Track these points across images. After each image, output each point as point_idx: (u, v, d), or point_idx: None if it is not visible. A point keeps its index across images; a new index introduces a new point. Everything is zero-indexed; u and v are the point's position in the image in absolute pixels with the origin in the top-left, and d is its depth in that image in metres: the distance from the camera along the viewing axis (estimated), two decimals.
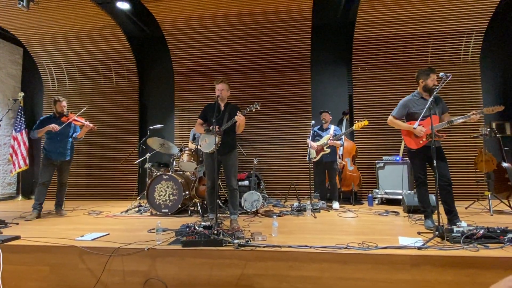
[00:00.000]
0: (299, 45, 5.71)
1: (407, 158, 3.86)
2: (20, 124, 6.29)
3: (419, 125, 3.00)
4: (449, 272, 2.13)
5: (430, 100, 2.87)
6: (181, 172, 4.57)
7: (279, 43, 5.73)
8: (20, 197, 6.43)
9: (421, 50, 5.42)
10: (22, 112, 6.34)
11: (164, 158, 5.86)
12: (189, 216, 4.04)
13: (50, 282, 2.51)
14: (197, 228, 2.56)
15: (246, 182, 4.82)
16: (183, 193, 4.05)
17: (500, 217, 3.68)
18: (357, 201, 5.10)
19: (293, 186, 5.49)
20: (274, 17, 5.41)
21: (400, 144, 4.98)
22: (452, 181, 3.02)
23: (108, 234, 2.98)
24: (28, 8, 4.69)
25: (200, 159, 4.35)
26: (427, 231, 2.92)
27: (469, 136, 5.08)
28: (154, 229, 2.83)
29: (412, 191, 4.49)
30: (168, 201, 4.11)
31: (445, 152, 3.12)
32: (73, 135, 4.38)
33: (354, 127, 4.41)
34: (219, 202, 4.33)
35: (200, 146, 3.59)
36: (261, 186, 5.15)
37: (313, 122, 4.78)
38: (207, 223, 2.72)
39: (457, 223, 2.79)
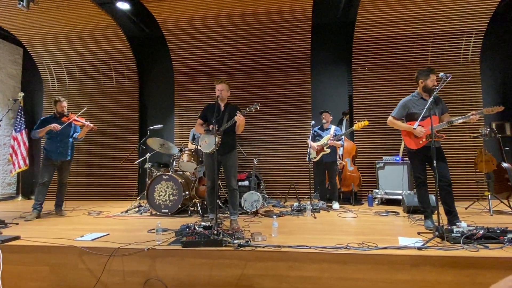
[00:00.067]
0: (299, 45, 5.71)
1: (407, 159, 3.86)
2: (20, 124, 6.29)
3: (419, 125, 3.00)
4: (449, 272, 2.13)
5: (430, 100, 2.88)
6: (181, 172, 4.57)
7: (279, 43, 5.73)
8: (20, 197, 6.42)
9: (421, 50, 5.42)
10: (22, 112, 6.34)
11: (164, 158, 5.86)
12: (189, 216, 4.04)
13: (50, 282, 2.50)
14: (197, 228, 2.56)
15: (246, 182, 4.82)
16: (183, 193, 4.05)
17: (500, 218, 3.68)
18: (357, 201, 5.10)
19: (293, 187, 5.49)
20: (274, 17, 5.41)
21: (400, 145, 4.98)
22: (452, 181, 3.01)
23: (108, 234, 2.98)
24: (28, 9, 4.70)
25: (200, 159, 4.34)
26: (427, 231, 2.92)
27: (469, 137, 5.09)
28: (154, 229, 2.83)
29: (412, 192, 4.49)
30: (168, 201, 4.11)
31: (445, 153, 3.12)
32: (74, 135, 4.38)
33: (354, 127, 4.41)
34: (219, 202, 4.33)
35: (200, 146, 3.59)
36: (261, 186, 5.16)
37: (313, 122, 4.77)
38: (207, 223, 2.72)
39: (457, 223, 2.79)
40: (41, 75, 6.52)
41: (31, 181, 6.63)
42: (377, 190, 4.98)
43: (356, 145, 5.29)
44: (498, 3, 4.92)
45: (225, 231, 2.61)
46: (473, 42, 5.27)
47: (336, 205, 4.55)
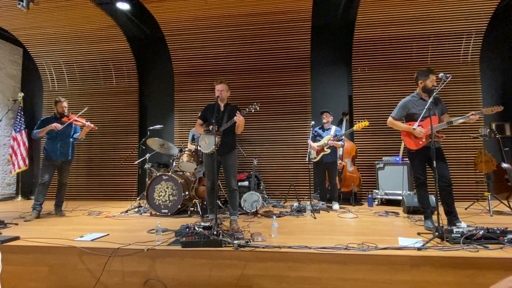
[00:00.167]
0: (299, 45, 5.71)
1: (407, 159, 3.86)
2: (19, 124, 6.29)
3: (418, 126, 3.00)
4: (449, 272, 2.13)
5: (429, 101, 2.88)
6: (180, 173, 4.56)
7: (279, 43, 5.73)
8: (20, 197, 6.42)
9: (421, 50, 5.43)
10: (22, 113, 6.34)
11: (164, 159, 5.86)
12: (189, 216, 4.03)
13: (50, 283, 2.50)
14: (197, 229, 2.56)
15: (245, 183, 4.82)
16: (182, 194, 4.05)
17: (500, 218, 3.68)
18: (357, 201, 5.10)
19: (292, 187, 5.49)
20: (274, 17, 5.41)
21: (400, 145, 4.98)
22: (452, 181, 3.02)
23: (108, 234, 2.98)
24: (28, 9, 4.71)
25: (200, 159, 4.34)
26: (426, 231, 2.92)
27: (468, 137, 5.08)
28: (153, 229, 2.83)
29: (412, 192, 4.49)
30: (167, 201, 4.10)
31: (444, 153, 3.12)
32: (74, 136, 4.39)
33: (355, 128, 4.41)
34: (219, 203, 4.33)
35: (199, 146, 3.59)
36: (261, 187, 5.15)
37: (313, 122, 4.77)
38: (207, 224, 2.72)
39: (457, 223, 2.79)
40: (41, 75, 6.51)
41: (31, 181, 6.63)
42: (377, 191, 4.97)
43: (356, 146, 5.29)
44: (498, 3, 4.92)
45: (225, 231, 2.60)
46: (473, 42, 5.27)
47: (336, 205, 4.55)
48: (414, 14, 5.14)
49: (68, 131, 4.32)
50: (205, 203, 4.15)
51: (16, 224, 3.62)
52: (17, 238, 2.80)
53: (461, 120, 3.00)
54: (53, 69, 6.42)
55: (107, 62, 6.25)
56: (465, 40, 5.28)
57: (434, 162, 2.73)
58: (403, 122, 3.26)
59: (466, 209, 4.18)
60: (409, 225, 3.35)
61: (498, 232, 2.42)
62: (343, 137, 4.55)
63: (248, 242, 2.49)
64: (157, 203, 4.13)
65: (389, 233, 2.97)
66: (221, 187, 4.79)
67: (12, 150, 6.25)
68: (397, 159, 4.92)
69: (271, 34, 5.65)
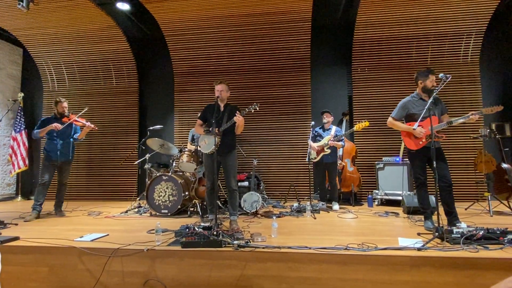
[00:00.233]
0: (299, 46, 5.71)
1: (407, 159, 3.86)
2: (19, 124, 6.29)
3: (418, 126, 3.00)
4: (449, 273, 2.12)
5: (429, 101, 2.88)
6: (180, 173, 4.56)
7: (279, 44, 5.73)
8: (20, 197, 6.42)
9: (421, 51, 5.43)
10: (22, 113, 6.34)
11: (163, 159, 5.86)
12: (189, 217, 4.03)
13: (49, 283, 2.50)
14: (197, 229, 2.56)
15: (245, 183, 4.82)
16: (182, 194, 4.04)
17: (500, 218, 3.68)
18: (356, 202, 5.10)
19: (292, 187, 5.49)
20: (274, 18, 5.42)
21: (400, 145, 4.98)
22: (452, 182, 3.01)
23: (108, 235, 2.98)
24: (28, 9, 4.71)
25: (200, 160, 4.34)
26: (426, 232, 2.92)
27: (468, 137, 5.08)
28: (153, 229, 2.83)
29: (412, 192, 4.49)
30: (167, 201, 4.10)
31: (444, 153, 3.12)
32: (74, 136, 4.39)
33: (355, 128, 4.41)
34: (219, 203, 4.33)
35: (199, 147, 3.59)
36: (261, 187, 5.15)
37: (313, 123, 4.77)
38: (207, 224, 2.72)
39: (457, 224, 2.79)
40: (41, 75, 6.51)
41: (31, 181, 6.63)
42: (377, 191, 4.97)
43: (356, 146, 5.29)
44: (498, 3, 4.92)
45: (224, 231, 2.60)
46: (473, 42, 5.27)
47: (336, 205, 4.55)
48: (414, 14, 5.14)
49: (68, 131, 4.32)
50: (205, 203, 4.15)
51: (16, 224, 3.62)
52: (16, 238, 2.80)
53: (461, 120, 3.00)
54: (53, 69, 6.42)
55: (107, 62, 6.25)
56: (465, 40, 5.28)
57: (434, 162, 2.73)
58: (403, 123, 3.26)
59: (466, 209, 4.18)
60: (409, 225, 3.35)
61: (498, 232, 2.42)
62: (343, 137, 4.55)
63: (248, 242, 2.49)
64: (157, 203, 4.13)
65: (389, 233, 2.97)
66: (221, 187, 4.79)
67: (12, 150, 6.25)
68: (397, 159, 4.92)
69: (271, 34, 5.65)
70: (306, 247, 2.40)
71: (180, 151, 4.40)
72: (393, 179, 4.83)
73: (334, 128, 4.68)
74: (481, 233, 2.39)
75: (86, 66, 6.32)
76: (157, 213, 4.12)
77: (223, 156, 3.37)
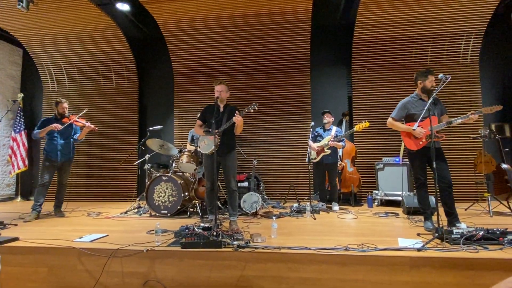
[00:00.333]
0: (298, 46, 5.71)
1: (407, 160, 3.86)
2: (19, 125, 6.29)
3: (418, 126, 3.00)
4: (448, 273, 2.12)
5: (429, 101, 2.88)
6: (180, 173, 4.56)
7: (278, 44, 5.73)
8: (19, 198, 6.42)
9: (421, 51, 5.43)
10: (22, 113, 6.34)
11: (163, 159, 5.86)
12: (189, 217, 4.03)
13: (49, 284, 2.50)
14: (196, 230, 2.55)
15: (245, 183, 4.81)
16: (182, 194, 4.04)
17: (500, 219, 3.68)
18: (356, 202, 5.10)
19: (292, 188, 5.49)
20: (274, 18, 5.42)
21: (400, 146, 4.98)
22: (452, 182, 3.01)
23: (107, 235, 2.97)
24: (28, 9, 4.70)
25: (200, 160, 4.34)
26: (426, 232, 2.92)
27: (468, 138, 5.08)
28: (153, 230, 2.82)
29: (412, 193, 4.49)
30: (167, 202, 4.10)
31: (444, 154, 3.12)
32: (74, 136, 4.39)
33: (355, 128, 4.41)
34: (219, 204, 4.32)
35: (199, 147, 3.58)
36: (261, 188, 5.15)
37: (312, 123, 4.76)
38: (206, 225, 2.72)
39: (457, 224, 2.79)
40: (40, 76, 6.51)
41: (30, 182, 6.62)
42: (376, 191, 4.97)
43: (356, 146, 5.29)
44: (497, 4, 4.93)
45: (224, 232, 2.60)
46: (473, 43, 5.28)
47: (335, 206, 4.55)
48: (414, 15, 5.15)
49: (68, 131, 4.32)
50: (204, 204, 4.15)
51: (16, 225, 3.62)
52: (16, 239, 2.80)
53: (461, 120, 3.00)
54: (53, 69, 6.42)
55: (107, 62, 6.25)
56: (465, 40, 5.28)
57: (434, 162, 2.73)
58: (402, 123, 3.26)
59: (466, 210, 4.17)
60: (409, 226, 3.34)
61: (498, 233, 2.41)
62: (344, 138, 4.55)
63: (247, 243, 2.49)
64: (156, 203, 4.13)
65: (388, 234, 2.97)
66: (221, 188, 4.78)
67: (11, 151, 6.25)
68: (397, 160, 4.92)
69: (271, 35, 5.65)
70: (306, 247, 2.39)
71: (180, 151, 4.40)
72: (393, 179, 4.83)
73: (334, 128, 4.68)
74: (481, 234, 2.39)
75: (86, 67, 6.32)
76: (157, 214, 4.12)
77: (222, 157, 3.37)
